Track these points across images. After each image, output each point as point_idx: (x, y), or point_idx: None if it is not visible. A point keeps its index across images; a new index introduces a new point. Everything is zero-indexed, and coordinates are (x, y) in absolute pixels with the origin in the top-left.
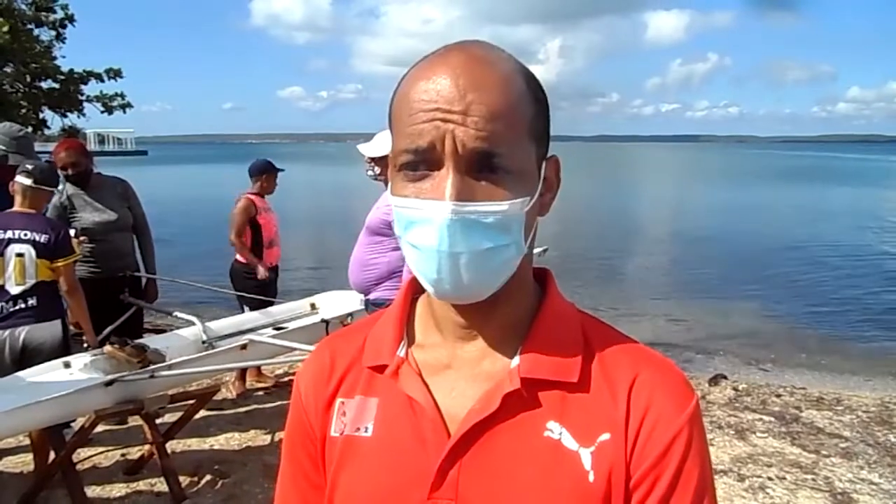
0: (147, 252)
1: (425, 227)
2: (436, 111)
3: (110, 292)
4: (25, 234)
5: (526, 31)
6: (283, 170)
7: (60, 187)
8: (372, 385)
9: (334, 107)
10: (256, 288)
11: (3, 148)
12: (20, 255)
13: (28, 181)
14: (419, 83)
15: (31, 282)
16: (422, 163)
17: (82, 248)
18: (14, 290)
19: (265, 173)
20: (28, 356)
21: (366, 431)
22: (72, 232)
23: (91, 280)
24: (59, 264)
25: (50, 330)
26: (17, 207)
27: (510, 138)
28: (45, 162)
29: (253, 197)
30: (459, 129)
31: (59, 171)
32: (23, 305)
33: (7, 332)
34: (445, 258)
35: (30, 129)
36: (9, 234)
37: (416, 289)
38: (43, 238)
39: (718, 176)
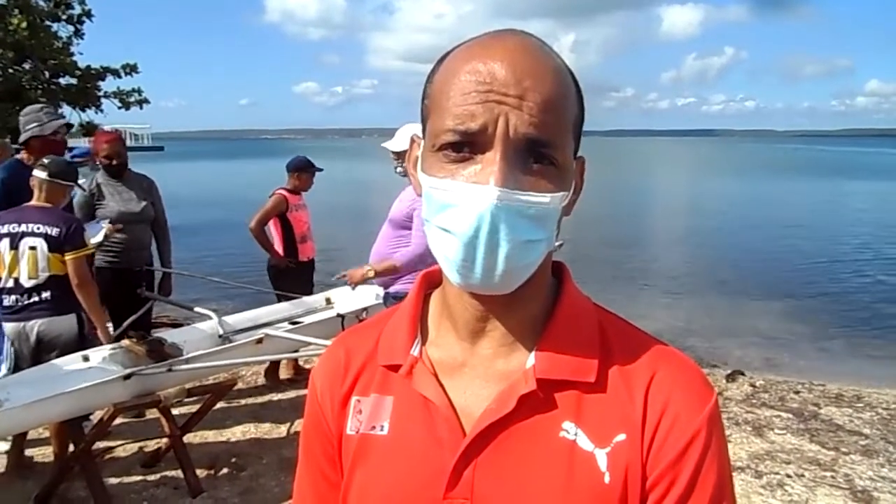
0: (165, 248)
1: (463, 211)
2: (490, 92)
3: (127, 284)
4: (38, 228)
5: (538, 26)
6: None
7: (96, 174)
8: (387, 383)
9: (349, 102)
10: (293, 282)
11: (36, 125)
12: (33, 248)
13: (43, 174)
14: (472, 63)
15: (44, 275)
16: (467, 144)
17: (112, 236)
18: (28, 283)
19: (298, 171)
20: (43, 349)
21: (381, 430)
22: (104, 223)
23: (110, 270)
24: (69, 257)
25: (65, 323)
26: (33, 201)
27: (559, 131)
28: (82, 153)
29: (285, 193)
30: (514, 114)
31: (102, 161)
32: (36, 298)
33: (21, 325)
34: (482, 245)
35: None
36: (23, 227)
37: (429, 284)
38: (54, 231)
39: (735, 171)
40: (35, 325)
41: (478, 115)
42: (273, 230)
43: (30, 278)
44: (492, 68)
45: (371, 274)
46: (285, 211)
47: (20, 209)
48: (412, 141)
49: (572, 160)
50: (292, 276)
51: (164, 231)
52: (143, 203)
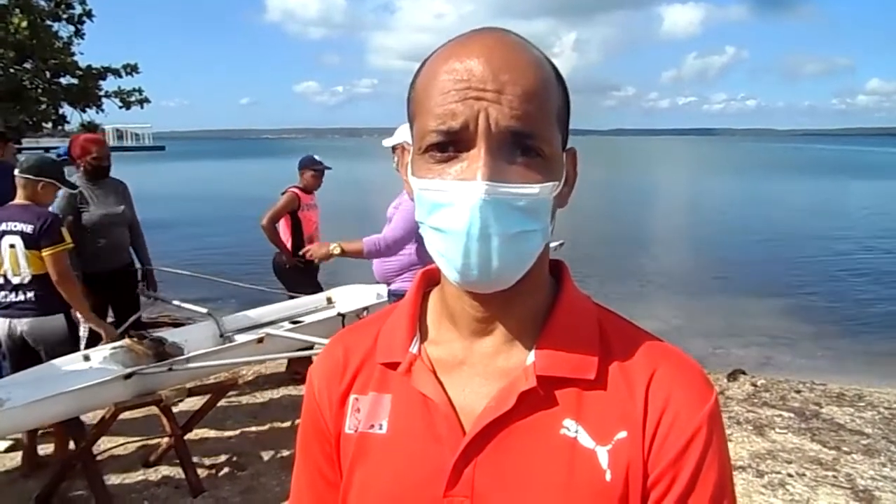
0: (142, 249)
1: (454, 210)
2: (468, 90)
3: (120, 284)
4: (15, 226)
5: (540, 25)
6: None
7: (73, 178)
8: (385, 381)
9: (350, 101)
10: (299, 280)
11: None
12: (12, 246)
13: (23, 172)
14: (450, 62)
15: (25, 273)
16: (451, 143)
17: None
18: (14, 280)
19: (303, 169)
20: (31, 349)
21: (380, 429)
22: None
23: (101, 273)
24: (46, 253)
25: (51, 324)
26: (17, 199)
27: (542, 121)
28: (66, 152)
29: (297, 191)
30: (493, 108)
31: (91, 163)
32: (22, 297)
33: (9, 322)
34: (475, 241)
35: (49, 125)
36: (2, 226)
37: (428, 282)
38: (28, 228)
39: (736, 170)
40: (19, 325)
41: (458, 113)
42: (283, 228)
43: (14, 276)
44: (469, 65)
45: (337, 251)
46: (297, 209)
47: (3, 208)
48: (402, 148)
49: (560, 151)
50: (298, 274)
51: (140, 232)
52: (122, 206)
